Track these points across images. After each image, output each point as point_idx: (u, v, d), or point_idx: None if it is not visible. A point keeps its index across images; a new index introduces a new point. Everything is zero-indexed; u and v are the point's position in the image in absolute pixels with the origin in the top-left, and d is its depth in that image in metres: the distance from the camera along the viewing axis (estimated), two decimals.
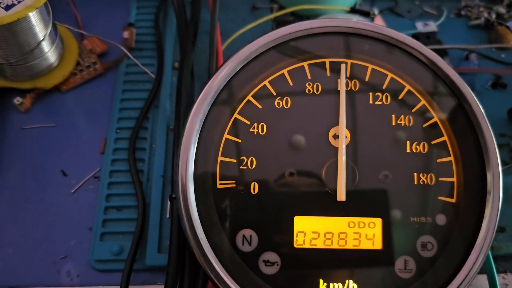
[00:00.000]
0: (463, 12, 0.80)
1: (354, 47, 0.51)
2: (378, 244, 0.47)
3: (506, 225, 0.59)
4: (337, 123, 0.48)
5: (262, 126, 0.49)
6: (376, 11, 0.77)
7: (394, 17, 0.79)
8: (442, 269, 0.47)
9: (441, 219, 0.47)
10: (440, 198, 0.48)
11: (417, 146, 0.49)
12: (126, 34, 0.73)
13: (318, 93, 0.50)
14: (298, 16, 0.77)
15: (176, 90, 0.63)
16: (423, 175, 0.48)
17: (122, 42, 0.73)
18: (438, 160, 0.49)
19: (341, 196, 0.47)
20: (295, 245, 0.47)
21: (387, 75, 0.50)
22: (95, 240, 0.58)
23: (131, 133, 0.64)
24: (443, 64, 0.50)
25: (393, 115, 0.49)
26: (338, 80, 0.50)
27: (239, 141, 0.48)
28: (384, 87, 0.50)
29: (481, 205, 0.47)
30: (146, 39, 0.74)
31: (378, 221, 0.47)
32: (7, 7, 0.58)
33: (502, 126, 0.66)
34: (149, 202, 0.60)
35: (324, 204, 0.47)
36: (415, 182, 0.48)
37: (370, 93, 0.50)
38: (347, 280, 0.46)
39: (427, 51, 0.50)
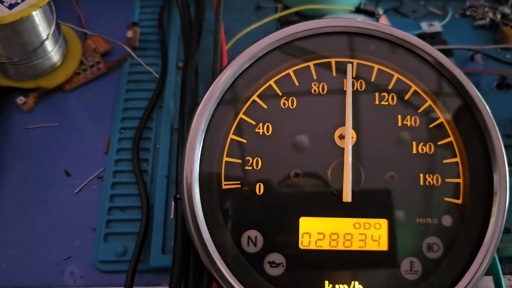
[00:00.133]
0: (468, 13, 0.79)
1: (360, 47, 0.50)
2: (384, 246, 0.47)
3: None
4: (343, 124, 0.48)
5: (268, 127, 0.48)
6: (381, 11, 0.76)
7: (399, 17, 0.79)
8: (448, 270, 0.46)
9: (447, 220, 0.47)
10: (446, 199, 0.48)
11: (423, 147, 0.48)
12: (129, 34, 0.73)
13: (324, 93, 0.49)
14: (303, 16, 0.77)
15: (181, 90, 0.63)
16: (429, 176, 0.48)
17: (126, 41, 0.72)
18: (444, 161, 0.48)
19: (347, 197, 0.46)
20: (300, 246, 0.46)
21: (393, 75, 0.50)
22: (99, 241, 0.57)
23: (135, 133, 0.64)
24: (450, 64, 0.49)
25: (399, 116, 0.49)
26: (344, 80, 0.49)
27: (244, 141, 0.48)
28: (390, 88, 0.49)
29: (487, 206, 0.47)
30: (150, 39, 0.74)
31: (384, 222, 0.47)
32: (11, 6, 0.57)
33: (508, 127, 0.66)
34: (153, 203, 0.60)
35: (329, 205, 0.47)
36: (421, 183, 0.48)
37: (376, 94, 0.49)
38: (352, 282, 0.46)
39: (434, 52, 0.50)
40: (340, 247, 0.47)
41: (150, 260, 0.56)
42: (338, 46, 0.50)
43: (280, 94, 0.49)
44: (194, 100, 0.62)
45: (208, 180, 0.47)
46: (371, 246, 0.47)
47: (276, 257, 0.46)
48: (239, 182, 0.47)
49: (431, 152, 0.48)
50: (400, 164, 0.48)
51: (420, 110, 0.49)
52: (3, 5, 0.57)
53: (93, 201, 0.61)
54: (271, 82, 0.49)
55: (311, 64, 0.50)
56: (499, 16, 0.77)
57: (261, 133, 0.48)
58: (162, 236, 0.57)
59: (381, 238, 0.47)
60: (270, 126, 0.48)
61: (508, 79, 0.71)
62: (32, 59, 0.64)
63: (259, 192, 0.47)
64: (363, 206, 0.47)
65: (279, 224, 0.47)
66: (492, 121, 0.48)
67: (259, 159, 0.48)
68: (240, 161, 0.48)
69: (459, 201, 0.47)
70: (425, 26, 0.76)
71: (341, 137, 0.48)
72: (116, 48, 0.73)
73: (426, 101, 0.49)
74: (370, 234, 0.47)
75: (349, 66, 0.49)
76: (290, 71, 0.49)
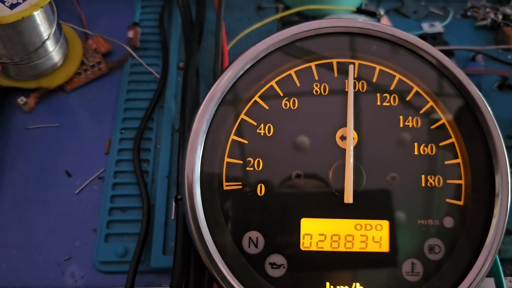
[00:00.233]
0: (469, 13, 0.79)
1: (362, 47, 0.50)
2: (385, 247, 0.47)
3: None
4: (344, 124, 0.48)
5: (269, 127, 0.48)
6: (382, 12, 0.76)
7: (400, 18, 0.79)
8: (450, 272, 0.46)
9: (448, 222, 0.47)
10: (447, 200, 0.47)
11: (425, 148, 0.48)
12: (130, 34, 0.73)
13: (326, 94, 0.49)
14: (304, 16, 0.77)
15: (182, 90, 0.63)
16: (431, 177, 0.48)
17: (127, 41, 0.72)
18: (446, 162, 0.48)
19: (349, 198, 0.46)
20: (301, 248, 0.46)
21: (395, 76, 0.50)
22: (100, 242, 0.57)
23: (136, 134, 0.64)
24: (452, 65, 0.49)
25: (400, 117, 0.49)
26: (346, 81, 0.49)
27: (246, 142, 0.48)
28: (391, 88, 0.49)
29: (489, 208, 0.47)
30: (151, 39, 0.74)
31: (385, 224, 0.47)
32: (12, 6, 0.57)
33: (509, 128, 0.66)
34: (154, 203, 0.59)
35: (331, 206, 0.47)
36: (423, 184, 0.48)
37: (378, 94, 0.49)
38: (353, 283, 0.46)
39: (436, 52, 0.50)
40: (342, 249, 0.47)
41: (151, 261, 0.56)
42: (340, 47, 0.50)
43: (282, 94, 0.49)
44: (195, 100, 0.62)
45: (209, 181, 0.47)
46: (373, 248, 0.47)
47: (277, 258, 0.46)
48: (240, 183, 0.47)
49: (432, 153, 0.48)
50: (402, 165, 0.48)
51: (421, 111, 0.49)
52: (4, 5, 0.57)
53: (94, 202, 0.60)
54: (273, 83, 0.49)
55: (312, 64, 0.50)
56: (500, 17, 0.77)
57: (262, 134, 0.48)
58: (163, 237, 0.57)
59: (382, 239, 0.47)
60: (271, 127, 0.48)
61: (510, 80, 0.71)
62: (33, 59, 0.64)
63: (260, 193, 0.47)
64: (365, 207, 0.47)
65: (280, 225, 0.47)
66: (494, 122, 0.48)
67: (260, 160, 0.48)
68: (241, 162, 0.47)
69: (460, 203, 0.47)
70: (426, 27, 0.76)
71: (343, 138, 0.48)
72: (117, 48, 0.72)
73: (428, 102, 0.49)
74: (372, 235, 0.47)
75: (350, 67, 0.49)
76: (292, 71, 0.49)
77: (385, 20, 0.75)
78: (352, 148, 0.47)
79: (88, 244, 0.58)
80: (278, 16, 0.74)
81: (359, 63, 0.50)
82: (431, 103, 0.49)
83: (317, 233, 0.47)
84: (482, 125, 0.49)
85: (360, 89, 0.49)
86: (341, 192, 0.47)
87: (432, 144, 0.48)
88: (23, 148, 0.65)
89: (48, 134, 0.66)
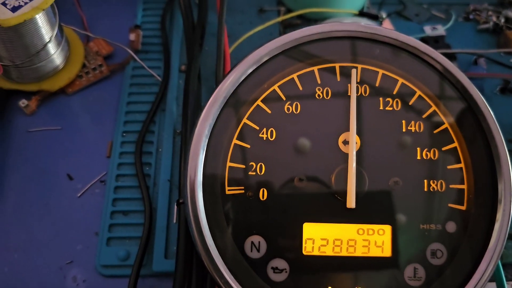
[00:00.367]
0: (471, 16, 0.79)
1: (365, 51, 0.50)
2: (387, 252, 0.46)
3: None
4: (347, 129, 0.48)
5: (271, 131, 0.48)
6: (384, 15, 0.76)
7: (402, 21, 0.79)
8: (452, 277, 0.46)
9: (451, 227, 0.47)
10: (450, 205, 0.47)
11: (428, 153, 0.48)
12: (132, 36, 0.72)
13: (328, 98, 0.49)
14: (306, 19, 0.77)
15: (183, 93, 0.63)
16: (433, 182, 0.48)
17: (129, 44, 0.72)
18: (449, 167, 0.48)
19: (351, 203, 0.46)
20: (304, 252, 0.46)
21: (397, 80, 0.50)
22: (102, 245, 0.57)
23: (138, 137, 0.64)
24: (455, 69, 0.49)
25: (403, 121, 0.49)
26: (348, 85, 0.49)
27: (248, 146, 0.48)
28: (394, 93, 0.49)
29: (491, 212, 0.47)
30: (152, 42, 0.74)
31: (387, 228, 0.47)
32: (14, 9, 0.57)
33: (511, 132, 0.65)
34: (156, 207, 0.59)
35: (333, 210, 0.47)
36: (425, 189, 0.48)
37: (381, 99, 0.49)
38: None
39: (439, 57, 0.49)
40: (344, 253, 0.46)
41: (152, 265, 0.56)
42: (343, 51, 0.50)
43: (284, 99, 0.49)
44: (197, 103, 0.62)
45: (211, 185, 0.47)
46: (375, 252, 0.46)
47: (280, 263, 0.46)
48: (242, 187, 0.47)
49: (435, 158, 0.48)
50: (404, 170, 0.48)
51: (424, 116, 0.49)
52: (6, 7, 0.57)
53: (96, 205, 0.60)
54: (275, 87, 0.49)
55: (315, 68, 0.50)
56: (502, 20, 0.77)
57: (264, 138, 0.48)
58: (165, 241, 0.57)
59: (384, 244, 0.47)
60: (274, 131, 0.48)
61: None
62: (35, 62, 0.64)
63: (263, 197, 0.47)
64: (367, 212, 0.47)
65: (282, 230, 0.46)
66: (497, 126, 0.48)
67: (262, 164, 0.47)
68: (243, 166, 0.47)
69: (463, 207, 0.47)
70: (428, 30, 0.75)
71: (345, 142, 0.48)
72: (118, 51, 0.72)
73: (431, 106, 0.49)
74: (374, 240, 0.47)
75: (353, 71, 0.49)
76: (294, 75, 0.49)
77: (387, 23, 0.75)
78: (354, 152, 0.47)
79: (90, 248, 0.58)
80: (280, 19, 0.74)
81: (362, 67, 0.50)
82: (433, 107, 0.49)
83: (319, 237, 0.46)
84: (484, 130, 0.48)
85: (363, 93, 0.49)
86: (344, 196, 0.47)
87: (435, 149, 0.48)
88: (25, 151, 0.65)
89: (50, 137, 0.66)
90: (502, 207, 0.46)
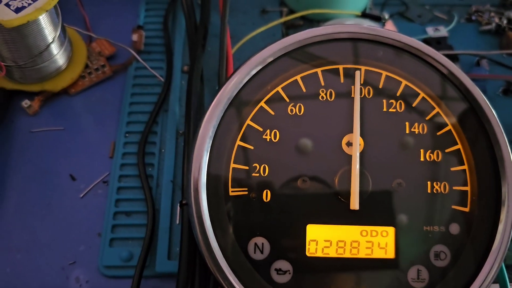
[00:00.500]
0: (473, 17, 0.79)
1: (368, 53, 0.50)
2: (390, 253, 0.46)
3: None
4: (350, 131, 0.48)
5: (275, 133, 0.48)
6: (386, 16, 0.76)
7: (404, 22, 0.79)
8: (456, 279, 0.46)
9: (454, 228, 0.47)
10: (453, 207, 0.47)
11: (431, 154, 0.48)
12: (135, 37, 0.72)
13: (332, 99, 0.49)
14: (308, 20, 0.77)
15: (186, 94, 0.63)
16: (437, 184, 0.48)
17: (131, 45, 0.72)
18: (452, 169, 0.48)
19: (355, 204, 0.46)
20: (307, 254, 0.46)
21: (401, 82, 0.49)
22: (104, 246, 0.57)
23: (140, 138, 0.64)
24: (458, 71, 0.49)
25: (406, 123, 0.49)
26: (352, 86, 0.49)
27: (252, 148, 0.48)
28: (398, 94, 0.49)
29: (495, 214, 0.47)
30: (155, 42, 0.74)
31: (391, 230, 0.47)
32: (17, 10, 0.57)
33: None
34: (159, 208, 0.59)
35: (336, 212, 0.47)
36: (429, 191, 0.47)
37: (384, 100, 0.49)
38: None
39: (442, 58, 0.49)
40: (347, 255, 0.46)
41: (155, 266, 0.56)
42: (346, 53, 0.50)
43: (288, 100, 0.49)
44: (200, 104, 0.62)
45: (215, 187, 0.47)
46: (378, 254, 0.46)
47: (283, 264, 0.46)
48: (246, 188, 0.47)
49: (438, 160, 0.48)
50: (408, 172, 0.48)
51: (428, 117, 0.49)
52: (10, 8, 0.57)
53: (99, 206, 0.60)
54: (279, 89, 0.49)
55: (318, 70, 0.49)
56: (505, 21, 0.77)
57: (268, 140, 0.48)
58: (168, 242, 0.57)
59: (388, 245, 0.46)
60: (277, 132, 0.48)
61: None
62: (38, 62, 0.64)
63: (266, 199, 0.47)
64: (370, 213, 0.47)
65: (286, 231, 0.46)
66: (500, 128, 0.48)
67: (266, 165, 0.47)
68: (247, 167, 0.47)
69: (466, 209, 0.47)
70: (430, 31, 0.75)
71: (349, 144, 0.48)
72: (121, 52, 0.72)
73: (434, 108, 0.49)
74: (377, 241, 0.47)
75: (357, 73, 0.49)
76: (298, 77, 0.49)
77: (390, 25, 0.75)
78: (358, 154, 0.47)
79: (93, 249, 0.58)
80: (282, 20, 0.74)
81: (365, 69, 0.50)
82: (437, 109, 0.49)
83: (323, 239, 0.46)
84: (488, 131, 0.48)
85: (366, 95, 0.49)
86: (347, 198, 0.46)
87: (438, 151, 0.48)
88: (27, 152, 0.65)
89: (52, 138, 0.66)
90: (506, 209, 0.46)
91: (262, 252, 0.46)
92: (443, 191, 0.47)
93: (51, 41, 0.63)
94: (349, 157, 0.47)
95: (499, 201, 0.47)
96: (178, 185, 0.61)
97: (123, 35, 0.73)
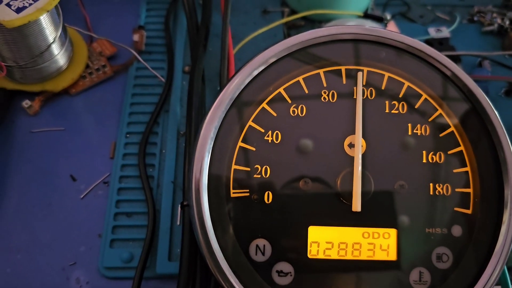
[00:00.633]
0: (476, 18, 0.79)
1: (371, 54, 0.50)
2: (392, 255, 0.46)
3: None
4: (352, 132, 0.48)
5: (277, 134, 0.48)
6: (388, 16, 0.76)
7: (406, 22, 0.78)
8: (458, 281, 0.46)
9: (457, 231, 0.47)
10: (456, 209, 0.47)
11: (433, 156, 0.48)
12: (136, 37, 0.72)
13: (334, 101, 0.49)
14: (310, 20, 0.77)
15: (188, 94, 0.63)
16: (439, 186, 0.47)
17: (132, 45, 0.72)
18: (455, 171, 0.48)
19: (357, 206, 0.46)
20: (309, 256, 0.46)
21: (403, 84, 0.49)
22: (105, 247, 0.57)
23: (141, 138, 0.64)
24: (461, 73, 0.49)
25: (409, 124, 0.48)
26: (354, 88, 0.49)
27: (253, 149, 0.48)
28: (400, 96, 0.49)
29: (498, 217, 0.47)
30: (156, 42, 0.74)
31: (393, 232, 0.47)
32: (18, 10, 0.57)
33: None
34: (160, 209, 0.59)
35: (338, 214, 0.47)
36: (431, 193, 0.47)
37: (386, 102, 0.49)
38: None
39: (446, 60, 0.49)
40: (349, 257, 0.46)
41: (156, 267, 0.55)
42: (349, 54, 0.50)
43: (290, 101, 0.49)
44: (201, 105, 0.62)
45: (216, 188, 0.47)
46: (380, 256, 0.46)
47: (284, 266, 0.46)
48: (247, 190, 0.47)
49: (441, 162, 0.48)
50: (410, 174, 0.48)
51: (430, 119, 0.49)
52: (11, 8, 0.57)
53: (99, 207, 0.60)
54: (281, 89, 0.49)
55: (321, 71, 0.49)
56: (507, 22, 0.77)
57: (270, 141, 0.48)
58: (168, 243, 0.57)
59: (390, 247, 0.46)
60: (279, 134, 0.48)
61: None
62: (38, 62, 0.64)
63: (268, 200, 0.47)
64: (372, 215, 0.47)
65: (287, 233, 0.46)
66: (503, 130, 0.48)
67: (267, 167, 0.47)
68: (248, 169, 0.47)
69: (469, 211, 0.47)
70: (432, 32, 0.75)
71: (351, 145, 0.48)
72: (122, 52, 0.72)
73: (437, 109, 0.49)
74: (379, 243, 0.46)
75: (359, 74, 0.49)
76: (300, 78, 0.49)
77: (392, 25, 0.74)
78: (360, 156, 0.47)
79: (93, 249, 0.57)
80: (284, 20, 0.74)
81: (367, 70, 0.49)
82: (440, 110, 0.49)
83: (325, 241, 0.46)
84: (491, 133, 0.48)
85: (369, 97, 0.49)
86: (349, 200, 0.46)
87: (441, 152, 0.48)
88: (28, 152, 0.64)
89: (53, 138, 0.66)
90: (508, 211, 0.46)
91: (263, 254, 0.46)
92: (445, 193, 0.47)
93: (52, 41, 0.63)
94: (351, 158, 0.47)
95: (502, 203, 0.47)
96: (178, 186, 0.61)
97: (124, 35, 0.73)
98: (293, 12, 0.78)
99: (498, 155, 0.48)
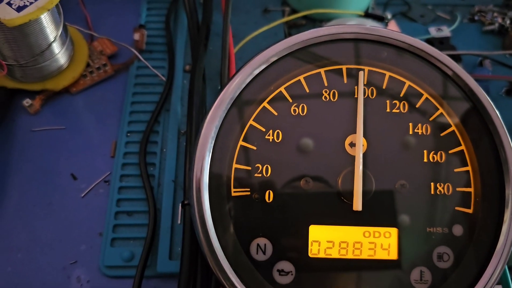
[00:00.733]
0: (476, 18, 0.79)
1: (372, 54, 0.50)
2: (393, 254, 0.46)
3: None
4: (353, 131, 0.48)
5: (278, 133, 0.48)
6: (389, 15, 0.76)
7: (407, 22, 0.78)
8: (459, 280, 0.46)
9: (457, 230, 0.47)
10: (457, 208, 0.47)
11: (434, 155, 0.48)
12: (136, 36, 0.72)
13: (335, 100, 0.49)
14: (311, 20, 0.77)
15: (188, 94, 0.63)
16: (440, 185, 0.47)
17: (133, 44, 0.72)
18: (455, 170, 0.48)
19: (358, 205, 0.46)
20: (309, 255, 0.46)
21: (404, 83, 0.49)
22: (106, 246, 0.57)
23: (142, 137, 0.64)
24: (462, 72, 0.49)
25: (410, 124, 0.48)
26: (355, 87, 0.49)
27: (254, 148, 0.47)
28: (401, 95, 0.49)
29: (499, 216, 0.47)
30: (156, 41, 0.74)
31: (393, 231, 0.47)
32: (19, 9, 0.57)
33: None
34: (160, 208, 0.59)
35: (339, 213, 0.47)
36: (432, 192, 0.47)
37: (387, 101, 0.49)
38: None
39: (447, 59, 0.49)
40: (350, 256, 0.46)
41: (157, 266, 0.55)
42: (350, 53, 0.50)
43: (291, 100, 0.49)
44: (202, 104, 0.62)
45: (217, 187, 0.46)
46: (381, 255, 0.46)
47: (285, 265, 0.46)
48: (248, 189, 0.47)
49: (442, 161, 0.48)
50: (411, 173, 0.47)
51: (431, 118, 0.49)
52: (12, 7, 0.56)
53: (100, 205, 0.60)
54: (282, 89, 0.49)
55: (322, 70, 0.49)
56: (508, 22, 0.77)
57: (271, 140, 0.48)
58: (169, 242, 0.57)
59: (391, 247, 0.46)
60: (280, 133, 0.48)
61: None
62: (39, 61, 0.64)
63: (269, 199, 0.47)
64: (373, 214, 0.47)
65: (288, 232, 0.46)
66: (504, 129, 0.48)
67: (268, 166, 0.47)
68: (249, 168, 0.47)
69: (470, 211, 0.47)
70: (433, 31, 0.75)
71: (352, 144, 0.48)
72: (123, 51, 0.72)
73: (438, 109, 0.49)
74: (380, 242, 0.46)
75: (360, 73, 0.49)
76: (301, 77, 0.49)
77: (393, 25, 0.74)
78: (361, 155, 0.47)
79: (94, 248, 0.57)
80: (285, 19, 0.74)
81: (368, 69, 0.49)
82: (440, 110, 0.49)
83: (325, 240, 0.46)
84: (492, 132, 0.48)
85: (370, 96, 0.49)
86: (350, 199, 0.46)
87: (442, 152, 0.48)
88: (28, 151, 0.64)
89: (54, 137, 0.66)
90: (510, 210, 0.46)
91: (264, 253, 0.46)
92: (446, 193, 0.47)
93: (52, 40, 0.63)
94: (352, 157, 0.47)
95: (503, 202, 0.47)
96: (179, 184, 0.61)
97: (124, 34, 0.73)
98: (293, 11, 0.78)
99: (499, 154, 0.47)
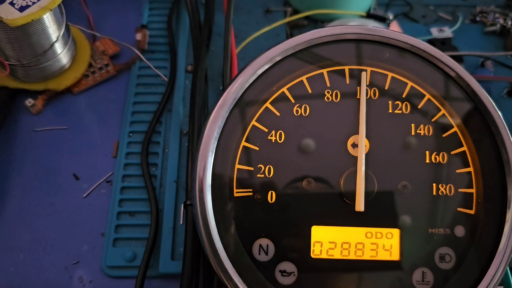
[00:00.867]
0: (478, 18, 0.79)
1: (375, 54, 0.50)
2: (395, 255, 0.46)
3: None
4: (356, 132, 0.48)
5: (280, 134, 0.48)
6: (391, 16, 0.76)
7: (408, 22, 0.78)
8: (461, 281, 0.46)
9: (459, 231, 0.47)
10: (459, 209, 0.47)
11: (437, 156, 0.48)
12: (138, 36, 0.72)
13: (337, 100, 0.49)
14: (312, 20, 0.77)
15: (190, 94, 0.63)
16: (442, 186, 0.47)
17: (135, 44, 0.72)
18: (458, 171, 0.48)
19: (360, 206, 0.46)
20: (312, 255, 0.46)
21: (407, 84, 0.49)
22: (108, 246, 0.57)
23: (144, 137, 0.64)
24: (465, 73, 0.49)
25: (412, 124, 0.49)
26: (358, 88, 0.49)
27: (257, 148, 0.48)
28: (404, 96, 0.49)
29: (501, 217, 0.47)
30: (159, 41, 0.74)
31: (396, 232, 0.47)
32: (22, 8, 0.57)
33: None
34: (162, 208, 0.59)
35: (341, 214, 0.47)
36: (434, 193, 0.47)
37: (390, 102, 0.49)
38: None
39: (449, 60, 0.49)
40: (352, 257, 0.46)
41: (159, 266, 0.55)
42: (352, 54, 0.50)
43: (293, 101, 0.49)
44: (204, 104, 0.62)
45: (220, 187, 0.47)
46: (383, 256, 0.46)
47: (288, 266, 0.46)
48: (251, 190, 0.47)
49: (444, 162, 0.48)
50: (413, 174, 0.48)
51: (433, 119, 0.49)
52: (14, 7, 0.56)
53: (102, 206, 0.60)
54: (284, 89, 0.49)
55: (324, 71, 0.49)
56: (510, 22, 0.77)
57: (273, 141, 0.48)
58: (171, 242, 0.57)
59: (393, 247, 0.46)
60: (282, 133, 0.48)
61: None
62: (42, 61, 0.64)
63: (271, 200, 0.47)
64: (375, 215, 0.47)
65: (290, 233, 0.46)
66: (506, 130, 0.48)
67: (271, 166, 0.47)
68: (252, 168, 0.47)
69: (472, 212, 0.47)
70: (435, 32, 0.75)
71: (354, 145, 0.48)
72: (125, 51, 0.72)
73: (440, 110, 0.49)
74: (382, 243, 0.46)
75: (363, 74, 0.49)
76: (304, 78, 0.49)
77: (395, 25, 0.74)
78: (363, 155, 0.47)
79: (96, 249, 0.58)
80: (286, 20, 0.74)
81: (371, 70, 0.49)
82: (443, 111, 0.49)
83: (328, 240, 0.46)
84: (494, 133, 0.48)
85: (372, 96, 0.49)
86: (352, 199, 0.46)
87: (444, 153, 0.48)
88: (31, 151, 0.64)
89: (56, 137, 0.66)
90: None
91: (266, 253, 0.46)
92: (448, 193, 0.47)
93: (55, 40, 0.63)
94: (355, 158, 0.47)
95: (505, 203, 0.47)
96: (181, 185, 0.61)
97: (127, 34, 0.73)
98: (295, 11, 0.78)
99: (501, 155, 0.48)
